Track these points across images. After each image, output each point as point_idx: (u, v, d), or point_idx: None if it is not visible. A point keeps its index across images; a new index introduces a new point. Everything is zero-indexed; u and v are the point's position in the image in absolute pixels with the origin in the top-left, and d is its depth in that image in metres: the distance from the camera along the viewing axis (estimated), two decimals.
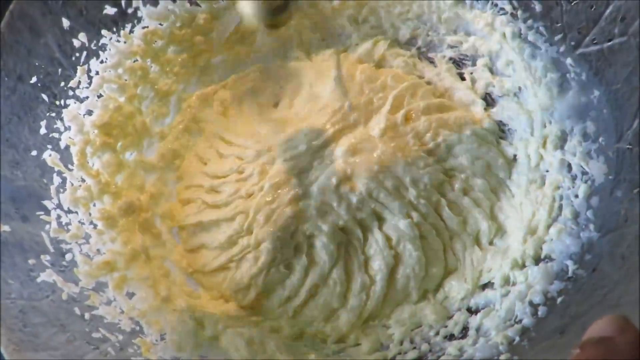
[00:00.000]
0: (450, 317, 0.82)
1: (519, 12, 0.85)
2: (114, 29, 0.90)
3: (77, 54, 0.87)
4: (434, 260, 0.85)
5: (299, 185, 0.85)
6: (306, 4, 1.00)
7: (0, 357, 0.65)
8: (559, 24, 0.80)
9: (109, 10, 0.89)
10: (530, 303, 0.75)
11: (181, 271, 0.88)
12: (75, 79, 0.87)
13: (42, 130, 0.83)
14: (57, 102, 0.85)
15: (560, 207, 0.80)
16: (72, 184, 0.83)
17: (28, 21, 0.84)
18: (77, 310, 0.74)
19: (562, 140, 0.81)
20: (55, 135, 0.84)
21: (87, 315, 0.74)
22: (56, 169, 0.83)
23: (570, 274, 0.74)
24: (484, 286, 0.83)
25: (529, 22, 0.84)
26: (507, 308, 0.76)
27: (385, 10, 1.01)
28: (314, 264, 0.84)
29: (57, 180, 0.82)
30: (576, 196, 0.78)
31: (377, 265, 0.84)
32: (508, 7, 0.86)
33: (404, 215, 0.84)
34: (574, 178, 0.79)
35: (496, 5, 0.89)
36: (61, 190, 0.82)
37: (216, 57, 1.00)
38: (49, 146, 0.83)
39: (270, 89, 1.00)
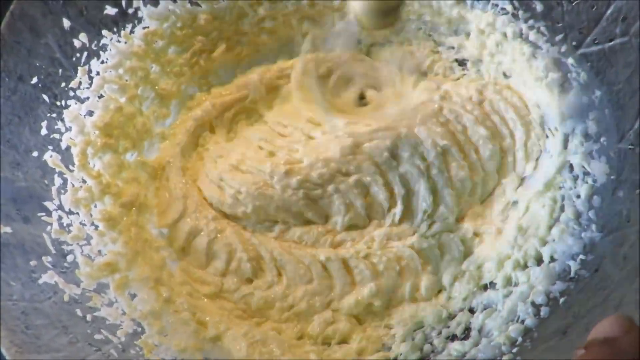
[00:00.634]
0: (452, 318, 0.82)
1: (520, 12, 0.85)
2: (115, 29, 0.90)
3: (78, 55, 0.87)
4: None
5: None
6: None
7: (1, 358, 0.65)
8: (560, 24, 0.81)
9: (110, 10, 0.89)
10: (533, 303, 0.75)
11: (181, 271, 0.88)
12: (76, 80, 0.86)
13: (43, 131, 0.83)
14: (58, 103, 0.85)
15: (562, 208, 0.80)
16: (73, 185, 0.83)
17: (28, 21, 0.83)
18: (79, 312, 0.74)
19: (563, 140, 0.82)
20: (56, 136, 0.84)
21: (89, 317, 0.74)
22: (57, 170, 0.83)
23: (572, 274, 0.74)
24: (486, 287, 0.83)
25: (530, 22, 0.84)
26: (510, 308, 0.76)
27: None
28: None
29: (58, 181, 0.82)
30: (578, 196, 0.78)
31: None
32: (509, 7, 0.87)
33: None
34: (575, 178, 0.79)
35: (497, 5, 0.89)
36: (62, 191, 0.82)
37: (217, 58, 1.00)
38: (50, 147, 0.83)
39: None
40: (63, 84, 0.86)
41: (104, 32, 0.88)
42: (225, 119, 0.98)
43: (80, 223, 0.81)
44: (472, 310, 0.82)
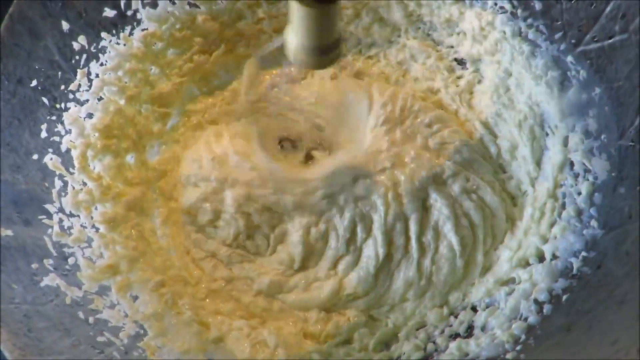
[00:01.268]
0: (455, 316, 0.82)
1: (519, 11, 0.85)
2: (114, 32, 0.89)
3: (77, 57, 0.87)
4: None
5: None
6: None
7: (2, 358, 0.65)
8: (559, 22, 0.81)
9: (109, 12, 0.88)
10: (536, 301, 0.75)
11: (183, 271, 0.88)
12: (76, 82, 0.86)
13: (43, 134, 0.83)
14: (58, 106, 0.85)
15: (564, 205, 0.80)
16: (74, 188, 0.83)
17: (27, 24, 0.83)
18: (81, 314, 0.74)
19: (564, 138, 0.82)
20: (56, 138, 0.84)
21: (91, 319, 0.74)
22: (57, 172, 0.82)
23: (574, 271, 0.74)
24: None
25: (529, 20, 0.84)
26: (512, 306, 0.76)
27: (386, 10, 1.00)
28: None
29: (58, 183, 0.82)
30: (579, 194, 0.78)
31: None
32: (508, 6, 0.87)
33: None
34: (576, 176, 0.79)
35: (496, 4, 0.89)
36: (63, 193, 0.82)
37: (216, 59, 1.00)
38: (50, 150, 0.83)
39: None
40: (62, 87, 0.86)
41: (103, 34, 0.88)
42: None
43: (81, 225, 0.81)
44: (474, 309, 0.82)
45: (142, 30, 0.91)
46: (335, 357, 0.80)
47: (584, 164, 0.78)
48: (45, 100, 0.84)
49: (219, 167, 0.89)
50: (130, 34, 0.91)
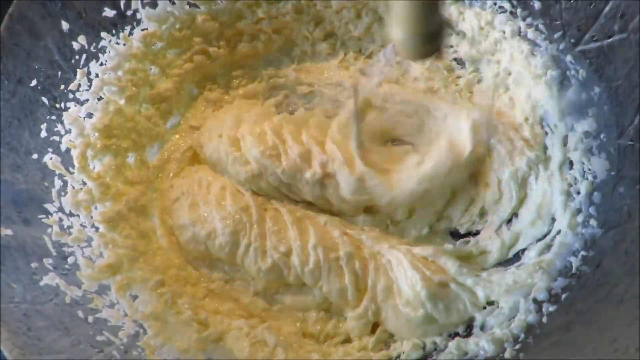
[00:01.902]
0: None
1: (518, 10, 0.85)
2: (114, 32, 0.89)
3: (77, 57, 0.87)
4: None
5: None
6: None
7: (2, 357, 0.65)
8: (558, 22, 0.81)
9: (108, 12, 0.88)
10: (535, 300, 0.75)
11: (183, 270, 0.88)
12: (75, 82, 0.86)
13: (43, 134, 0.83)
14: (58, 105, 0.85)
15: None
16: (74, 187, 0.83)
17: (27, 24, 0.83)
18: (80, 314, 0.74)
19: (563, 137, 0.82)
20: (56, 138, 0.84)
21: (90, 319, 0.74)
22: (57, 172, 0.83)
23: (574, 270, 0.74)
24: None
25: (528, 19, 0.84)
26: (511, 305, 0.76)
27: (386, 10, 1.00)
28: None
29: (58, 183, 0.82)
30: (578, 193, 0.78)
31: None
32: (507, 6, 0.87)
33: None
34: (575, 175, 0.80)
35: (495, 3, 0.89)
36: (62, 193, 0.82)
37: (216, 59, 1.00)
38: (50, 149, 0.83)
39: None
40: (62, 87, 0.86)
41: (103, 34, 0.88)
42: None
43: (81, 225, 0.81)
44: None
45: (142, 30, 0.92)
46: (334, 357, 0.80)
47: (583, 163, 0.78)
48: (45, 100, 0.84)
49: None
50: (130, 34, 0.91)
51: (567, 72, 0.81)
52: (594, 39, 0.77)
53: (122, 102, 0.90)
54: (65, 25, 0.86)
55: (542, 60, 0.83)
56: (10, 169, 0.80)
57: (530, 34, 0.84)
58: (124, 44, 0.90)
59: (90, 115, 0.87)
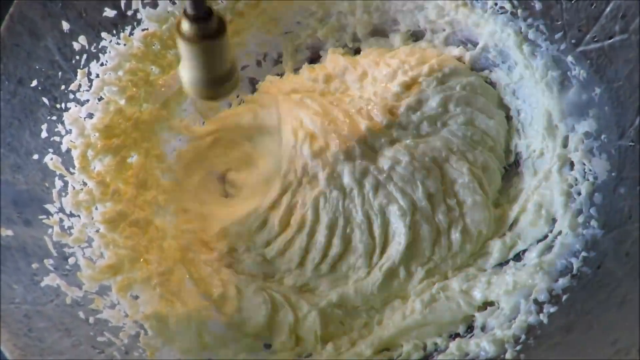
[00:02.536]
0: None
1: (519, 11, 0.85)
2: (114, 32, 0.89)
3: (77, 57, 0.86)
4: None
5: None
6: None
7: (3, 359, 0.65)
8: (559, 22, 0.81)
9: (109, 12, 0.88)
10: (535, 301, 0.75)
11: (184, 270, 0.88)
12: (76, 82, 0.86)
13: (43, 134, 0.83)
14: (58, 106, 0.85)
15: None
16: (74, 188, 0.83)
17: (28, 24, 0.83)
18: (81, 314, 0.74)
19: (564, 138, 0.82)
20: (57, 138, 0.84)
21: (91, 319, 0.74)
22: (58, 172, 0.82)
23: (575, 271, 0.74)
24: None
25: (529, 20, 0.84)
26: (512, 306, 0.76)
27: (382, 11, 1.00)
28: None
29: (59, 183, 0.82)
30: (579, 194, 0.78)
31: None
32: (508, 6, 0.87)
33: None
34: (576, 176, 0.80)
35: (496, 4, 0.89)
36: (63, 193, 0.82)
37: None
38: (50, 150, 0.83)
39: None
40: (63, 87, 0.85)
41: (103, 34, 0.88)
42: None
43: (82, 225, 0.81)
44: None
45: (142, 30, 0.91)
46: (334, 356, 0.80)
47: (584, 164, 0.78)
48: (45, 100, 0.84)
49: None
50: (131, 34, 0.90)
51: (568, 73, 0.81)
52: (595, 39, 0.77)
53: (122, 102, 0.89)
54: (65, 26, 0.85)
55: (543, 61, 0.83)
56: (10, 170, 0.79)
57: (531, 34, 0.84)
58: (125, 44, 0.90)
59: (90, 116, 0.86)
